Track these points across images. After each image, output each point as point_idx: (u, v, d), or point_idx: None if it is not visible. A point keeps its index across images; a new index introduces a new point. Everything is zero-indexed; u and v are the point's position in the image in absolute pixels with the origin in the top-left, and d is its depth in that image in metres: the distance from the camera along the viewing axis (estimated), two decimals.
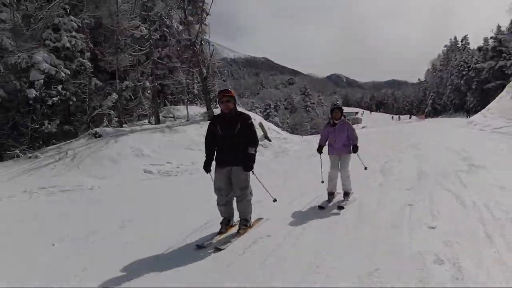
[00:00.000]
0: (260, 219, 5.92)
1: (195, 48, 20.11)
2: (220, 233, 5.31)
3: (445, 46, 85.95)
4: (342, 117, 6.96)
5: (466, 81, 65.35)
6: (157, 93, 21.37)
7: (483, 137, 17.13)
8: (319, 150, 7.17)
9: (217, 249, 4.67)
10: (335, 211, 6.15)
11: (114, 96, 19.25)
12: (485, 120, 23.84)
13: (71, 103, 18.05)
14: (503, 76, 53.17)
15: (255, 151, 5.38)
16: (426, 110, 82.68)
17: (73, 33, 18.76)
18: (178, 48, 24.52)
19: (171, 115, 21.26)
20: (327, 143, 7.11)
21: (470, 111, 52.17)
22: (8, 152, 15.20)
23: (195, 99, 25.94)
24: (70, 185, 11.30)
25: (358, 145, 6.93)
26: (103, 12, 20.19)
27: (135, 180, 12.13)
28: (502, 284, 3.35)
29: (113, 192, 10.37)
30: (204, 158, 5.44)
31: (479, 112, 29.27)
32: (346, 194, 6.89)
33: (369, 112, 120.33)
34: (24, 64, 16.73)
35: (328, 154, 7.09)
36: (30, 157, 14.14)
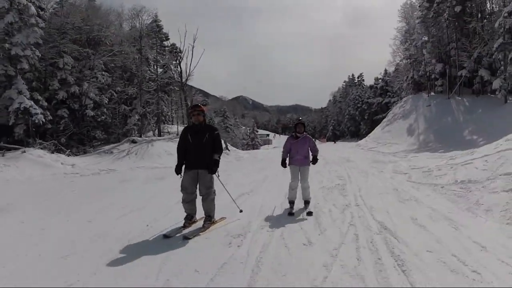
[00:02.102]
0: (223, 218, 6.89)
1: (184, 89, 31.86)
2: (184, 226, 6.39)
3: (344, 81, 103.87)
4: (304, 132, 7.86)
5: (360, 112, 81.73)
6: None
7: (360, 151, 30.67)
8: (283, 164, 7.88)
9: (186, 238, 5.75)
10: (305, 216, 7.06)
11: (137, 116, 30.04)
12: (365, 143, 38.59)
13: (109, 120, 28.45)
14: (388, 110, 67.81)
15: (219, 158, 6.58)
16: (328, 134, 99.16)
17: (102, 72, 29.07)
18: (172, 87, 36.04)
19: (167, 130, 32.50)
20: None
21: (361, 137, 67.00)
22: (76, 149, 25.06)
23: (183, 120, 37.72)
24: (146, 165, 21.89)
25: (318, 157, 7.88)
26: (130, 62, 31.10)
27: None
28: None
29: (164, 171, 20.79)
30: (176, 162, 6.61)
31: (363, 139, 44.19)
32: (307, 203, 7.74)
33: (278, 135, 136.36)
34: (78, 93, 26.82)
35: (289, 165, 7.81)
36: (107, 152, 24.35)
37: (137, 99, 32.40)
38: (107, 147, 25.74)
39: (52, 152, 21.71)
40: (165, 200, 9.16)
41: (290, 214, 7.24)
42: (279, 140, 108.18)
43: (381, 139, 37.26)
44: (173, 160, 7.07)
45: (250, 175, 15.53)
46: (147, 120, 32.35)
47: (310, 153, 7.87)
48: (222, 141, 24.61)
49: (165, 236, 5.86)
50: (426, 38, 39.00)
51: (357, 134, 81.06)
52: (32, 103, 22.57)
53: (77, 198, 10.76)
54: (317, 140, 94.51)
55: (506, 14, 26.42)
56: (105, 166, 21.01)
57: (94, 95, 27.46)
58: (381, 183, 11.24)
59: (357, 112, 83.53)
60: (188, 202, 6.48)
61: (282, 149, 8.11)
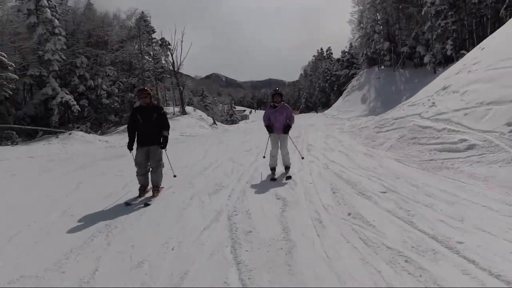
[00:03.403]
0: (162, 188, 7.64)
1: (176, 76, 39.21)
2: (139, 196, 7.11)
3: (314, 56, 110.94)
4: (282, 102, 8.28)
5: (330, 84, 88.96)
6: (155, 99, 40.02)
7: (324, 119, 38.67)
8: (269, 129, 8.31)
9: (146, 204, 6.46)
10: (285, 181, 7.56)
11: None
12: (330, 112, 46.94)
13: (118, 106, 35.70)
14: None
15: (168, 134, 7.34)
16: (301, 107, 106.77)
17: (110, 67, 36.08)
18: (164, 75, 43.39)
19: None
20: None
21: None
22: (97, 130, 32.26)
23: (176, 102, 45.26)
24: (179, 134, 29.30)
25: (291, 126, 8.31)
26: (130, 56, 38.17)
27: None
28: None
29: (193, 139, 28.33)
30: (128, 140, 7.29)
31: (329, 108, 52.31)
32: (287, 168, 8.35)
33: (254, 110, 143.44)
34: (93, 86, 33.90)
35: (269, 133, 8.36)
36: (124, 132, 31.61)
37: (138, 87, 39.63)
38: (121, 128, 32.95)
39: (88, 133, 28.93)
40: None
41: (272, 179, 7.76)
42: (256, 115, 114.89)
43: (341, 108, 45.67)
44: (173, 135, 9.87)
45: (240, 138, 22.82)
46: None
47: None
48: (210, 118, 32.34)
49: (127, 204, 6.66)
50: (376, 21, 47.10)
51: (327, 105, 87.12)
52: (70, 97, 29.77)
53: (118, 160, 14.75)
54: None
55: (429, 4, 34.55)
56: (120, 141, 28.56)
57: (106, 86, 34.55)
58: (323, 133, 19.03)
59: (326, 84, 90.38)
60: (142, 175, 7.22)
61: (263, 119, 8.56)
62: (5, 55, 24.05)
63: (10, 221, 6.10)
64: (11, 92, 25.25)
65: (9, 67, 24.16)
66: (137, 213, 6.01)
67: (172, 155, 8.67)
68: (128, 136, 7.34)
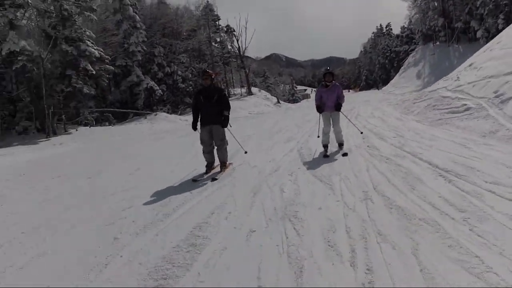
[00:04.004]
0: (230, 164, 8.12)
1: (242, 59, 43.15)
2: (206, 172, 7.55)
3: (373, 32, 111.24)
4: (333, 81, 8.43)
5: (390, 61, 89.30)
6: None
7: (380, 94, 41.23)
8: (319, 109, 8.49)
9: (213, 179, 6.97)
10: (341, 157, 7.81)
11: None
12: (386, 88, 48.98)
13: (192, 89, 40.23)
14: None
15: (228, 113, 7.61)
16: (361, 84, 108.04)
17: (183, 55, 40.48)
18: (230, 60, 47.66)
19: (233, 92, 44.19)
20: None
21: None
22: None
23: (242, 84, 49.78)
24: (248, 112, 33.37)
25: (342, 104, 8.44)
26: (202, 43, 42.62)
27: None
28: None
29: (262, 115, 32.03)
30: (192, 120, 7.76)
31: (387, 85, 54.39)
32: (341, 145, 8.50)
33: (315, 89, 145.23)
34: (170, 72, 38.44)
35: (321, 112, 8.52)
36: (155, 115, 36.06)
37: (219, 73, 44.17)
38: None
39: (170, 114, 33.52)
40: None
41: (325, 156, 7.99)
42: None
43: (397, 84, 47.81)
44: (242, 113, 14.87)
45: (303, 112, 26.25)
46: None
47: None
48: (274, 97, 36.34)
49: (194, 180, 7.11)
50: None
51: (387, 81, 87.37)
52: (153, 83, 34.53)
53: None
54: (351, 90, 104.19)
55: None
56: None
57: (181, 72, 39.06)
58: (372, 107, 21.96)
59: (386, 61, 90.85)
60: (208, 153, 7.66)
61: (315, 98, 8.78)
62: (102, 50, 28.77)
63: (169, 157, 10.62)
64: (107, 81, 30.15)
65: (105, 60, 28.93)
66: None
67: (252, 125, 12.44)
68: (192, 116, 7.76)
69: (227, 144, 7.85)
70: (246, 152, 8.81)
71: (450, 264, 3.03)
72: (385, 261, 3.20)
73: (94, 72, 27.07)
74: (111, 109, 31.81)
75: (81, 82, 26.69)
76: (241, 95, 43.95)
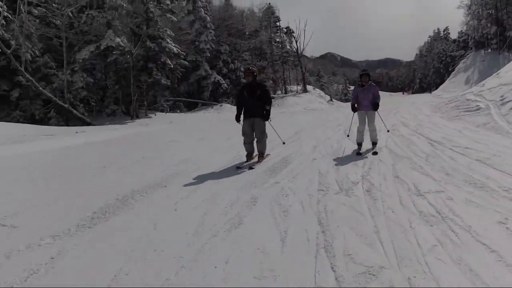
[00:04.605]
0: (268, 155, 8.58)
1: (299, 58, 46.83)
2: (246, 161, 8.11)
3: (429, 36, 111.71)
4: (369, 81, 8.80)
5: (445, 65, 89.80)
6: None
7: (428, 98, 43.77)
8: (353, 108, 9.11)
9: (251, 168, 7.44)
10: (371, 155, 8.08)
11: (270, 81, 45.70)
12: (436, 92, 51.17)
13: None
14: None
15: (270, 108, 8.09)
16: (415, 87, 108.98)
17: (245, 52, 44.57)
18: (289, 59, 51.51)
19: (289, 89, 47.95)
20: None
21: None
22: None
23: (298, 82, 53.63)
24: (303, 108, 36.94)
25: (379, 103, 8.74)
26: (264, 42, 46.61)
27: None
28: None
29: (315, 111, 35.58)
30: (236, 113, 8.16)
31: (438, 89, 56.42)
32: (374, 144, 8.80)
33: None
34: (233, 68, 42.54)
35: (357, 111, 8.99)
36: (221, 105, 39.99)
37: (267, 68, 47.97)
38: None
39: (233, 105, 37.58)
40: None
41: (358, 154, 8.33)
42: None
43: (446, 88, 49.95)
44: (298, 108, 18.63)
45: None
46: (275, 83, 47.92)
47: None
48: (328, 96, 39.94)
49: (237, 168, 7.64)
50: (484, 5, 50.39)
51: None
52: (220, 77, 38.84)
53: None
54: (405, 93, 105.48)
55: None
56: None
57: (243, 68, 43.06)
58: (414, 107, 24.89)
59: (441, 65, 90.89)
60: (248, 144, 8.19)
61: (352, 97, 9.31)
62: (178, 47, 33.17)
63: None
64: (181, 74, 34.63)
65: (181, 55, 33.37)
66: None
67: (309, 117, 15.95)
68: (236, 109, 8.20)
69: (267, 137, 8.31)
70: (284, 143, 9.44)
71: (411, 170, 6.40)
72: (378, 166, 6.80)
73: (172, 66, 31.56)
74: (183, 99, 36.47)
75: (159, 74, 31.24)
76: (297, 92, 47.85)
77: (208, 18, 39.94)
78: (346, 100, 73.90)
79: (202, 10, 39.44)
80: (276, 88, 48.91)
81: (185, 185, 6.29)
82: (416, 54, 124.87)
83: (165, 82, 31.83)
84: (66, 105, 25.37)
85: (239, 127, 8.22)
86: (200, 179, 6.73)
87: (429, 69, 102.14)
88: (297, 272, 3.11)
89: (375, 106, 8.61)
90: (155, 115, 30.39)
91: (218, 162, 8.29)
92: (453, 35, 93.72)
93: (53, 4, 26.25)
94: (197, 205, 5.11)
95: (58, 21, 26.63)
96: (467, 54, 57.43)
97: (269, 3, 52.88)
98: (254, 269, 3.18)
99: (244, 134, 8.07)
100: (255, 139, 8.16)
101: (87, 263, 3.47)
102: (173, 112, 33.55)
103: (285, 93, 48.96)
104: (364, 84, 8.66)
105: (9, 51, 22.49)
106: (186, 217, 4.66)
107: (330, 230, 3.94)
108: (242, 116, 8.08)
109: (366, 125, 8.73)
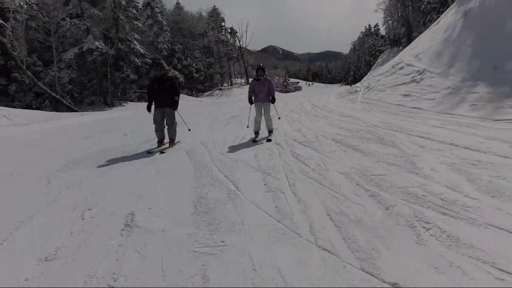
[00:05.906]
0: (179, 141, 9.16)
1: (242, 55, 55.25)
2: (158, 146, 8.65)
3: (361, 32, 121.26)
4: (264, 75, 9.22)
5: (374, 59, 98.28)
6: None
7: (347, 87, 52.89)
8: (250, 101, 9.24)
9: (162, 152, 8.04)
10: (264, 142, 8.54)
11: (218, 75, 53.61)
12: (357, 84, 60.52)
13: (202, 78, 52.18)
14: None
15: (178, 98, 8.66)
16: (350, 79, 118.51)
17: (196, 51, 52.38)
18: (233, 55, 59.68)
19: (234, 82, 56.27)
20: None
21: None
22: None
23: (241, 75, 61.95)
24: (245, 97, 45.01)
25: (275, 97, 9.19)
26: (211, 42, 54.57)
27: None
28: None
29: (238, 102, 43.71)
30: (147, 103, 8.75)
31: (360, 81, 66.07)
32: (270, 132, 9.30)
33: (311, 83, 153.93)
34: (186, 64, 50.29)
35: (253, 103, 9.24)
36: (212, 95, 47.84)
37: (215, 64, 56.01)
38: (206, 93, 49.21)
39: (188, 95, 45.27)
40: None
41: (254, 141, 8.76)
42: (309, 87, 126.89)
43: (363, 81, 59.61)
44: (241, 97, 24.27)
45: (286, 100, 37.44)
46: (222, 76, 56.18)
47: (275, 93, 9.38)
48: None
49: (148, 152, 8.14)
50: (396, 10, 60.73)
51: None
52: (177, 73, 46.58)
53: (201, 110, 32.99)
54: (342, 84, 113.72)
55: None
56: (214, 100, 44.42)
57: (195, 64, 50.93)
58: (327, 94, 33.31)
59: (371, 59, 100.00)
60: (159, 131, 8.74)
61: (248, 90, 9.51)
62: (144, 47, 40.59)
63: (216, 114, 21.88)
64: (145, 70, 42.10)
65: (145, 55, 40.85)
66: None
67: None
68: (148, 100, 8.73)
69: (176, 124, 8.88)
70: (189, 130, 9.97)
71: (295, 122, 14.75)
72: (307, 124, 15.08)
73: (139, 64, 39.09)
74: (145, 91, 43.90)
75: (128, 70, 38.68)
76: (241, 84, 56.58)
77: (164, 22, 47.38)
78: (286, 92, 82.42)
79: (159, 15, 46.82)
80: (223, 81, 57.20)
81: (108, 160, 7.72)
82: (350, 48, 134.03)
83: (133, 77, 39.29)
84: (58, 96, 32.30)
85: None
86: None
87: (361, 62, 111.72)
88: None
89: (273, 100, 9.07)
90: (128, 104, 37.78)
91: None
92: (382, 31, 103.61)
93: (43, 13, 33.12)
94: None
95: (50, 28, 33.38)
96: (384, 51, 67.36)
97: (214, 5, 60.96)
98: None
99: (155, 122, 8.63)
100: (166, 127, 8.77)
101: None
102: (140, 102, 40.95)
103: (231, 85, 57.45)
104: (260, 78, 9.07)
105: (15, 53, 29.23)
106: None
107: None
108: (153, 106, 8.62)
109: (263, 116, 9.18)
